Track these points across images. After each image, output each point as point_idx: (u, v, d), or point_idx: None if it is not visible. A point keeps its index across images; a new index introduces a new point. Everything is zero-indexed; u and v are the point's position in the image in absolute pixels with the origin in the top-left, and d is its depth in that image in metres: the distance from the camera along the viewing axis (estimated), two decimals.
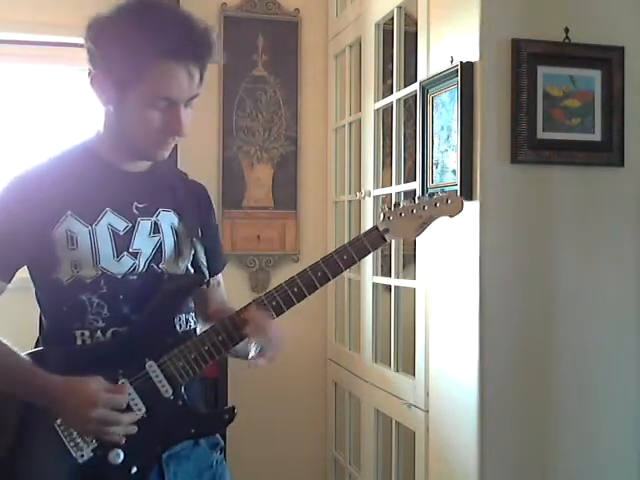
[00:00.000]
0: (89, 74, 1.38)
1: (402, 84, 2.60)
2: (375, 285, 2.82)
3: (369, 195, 2.84)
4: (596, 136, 2.08)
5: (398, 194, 2.63)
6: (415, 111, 2.41)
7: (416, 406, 2.37)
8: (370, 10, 2.83)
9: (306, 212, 3.32)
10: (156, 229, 1.43)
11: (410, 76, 2.54)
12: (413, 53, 2.45)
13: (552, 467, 2.07)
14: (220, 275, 1.63)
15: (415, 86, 2.39)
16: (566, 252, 2.08)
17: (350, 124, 3.14)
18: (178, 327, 1.43)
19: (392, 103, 2.64)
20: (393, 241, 2.63)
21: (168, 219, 1.46)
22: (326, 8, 3.35)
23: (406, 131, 2.66)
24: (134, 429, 1.32)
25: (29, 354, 1.37)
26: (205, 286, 1.50)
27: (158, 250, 1.43)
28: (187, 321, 1.47)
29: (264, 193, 3.28)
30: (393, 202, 1.52)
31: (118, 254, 1.38)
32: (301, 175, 3.33)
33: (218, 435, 1.53)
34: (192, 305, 1.50)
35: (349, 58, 3.13)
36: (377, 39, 2.80)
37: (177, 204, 1.48)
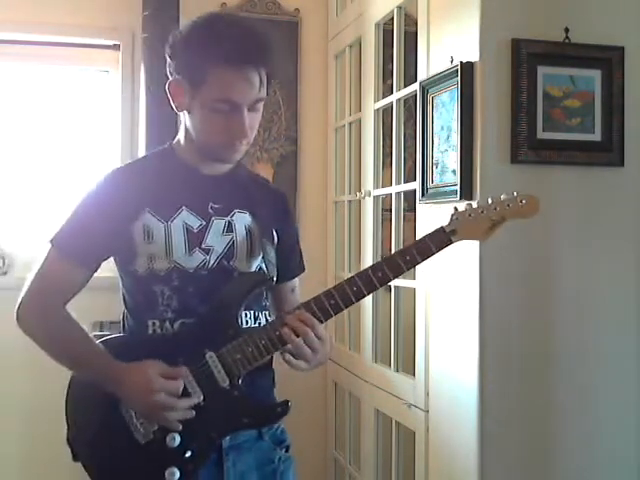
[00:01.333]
0: (167, 82, 1.49)
1: (402, 84, 2.60)
2: None
3: (369, 195, 2.84)
4: (596, 136, 2.08)
5: (398, 194, 2.63)
6: (415, 111, 2.41)
7: (416, 406, 2.37)
8: (370, 10, 2.83)
9: (306, 212, 3.32)
10: (229, 228, 1.51)
11: (410, 76, 2.54)
12: (413, 53, 2.45)
13: (552, 467, 2.07)
14: (296, 281, 1.69)
15: (415, 86, 2.39)
16: (566, 252, 2.08)
17: (350, 124, 3.14)
18: (245, 322, 1.49)
19: (392, 103, 2.64)
20: (393, 241, 2.63)
21: (242, 219, 1.53)
22: (326, 8, 3.35)
23: (406, 131, 2.66)
24: (192, 414, 1.39)
25: (108, 339, 1.49)
26: (271, 284, 1.55)
27: (230, 248, 1.50)
28: (257, 318, 1.52)
29: None
30: (464, 205, 1.46)
31: (190, 249, 1.46)
32: (301, 175, 3.33)
33: (287, 434, 1.60)
34: (265, 304, 1.57)
35: (349, 58, 3.13)
36: (377, 39, 2.80)
37: (252, 206, 1.55)
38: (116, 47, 3.17)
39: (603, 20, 2.10)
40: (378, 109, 2.80)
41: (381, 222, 2.85)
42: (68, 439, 1.49)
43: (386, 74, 2.83)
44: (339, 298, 1.42)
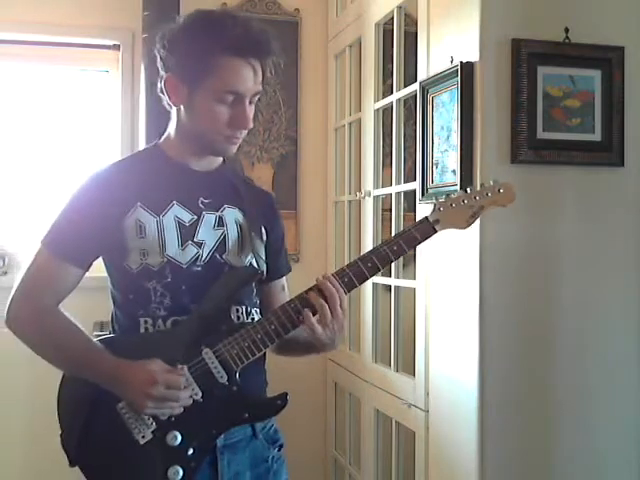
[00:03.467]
0: (160, 79, 1.48)
1: (402, 84, 2.60)
2: (375, 285, 2.82)
3: (369, 195, 2.84)
4: (596, 136, 2.08)
5: (398, 194, 2.63)
6: (415, 111, 2.41)
7: (416, 406, 2.37)
8: (370, 10, 2.83)
9: (306, 212, 3.32)
10: (220, 223, 1.51)
11: (410, 76, 2.54)
12: (413, 53, 2.45)
13: (552, 467, 2.07)
14: (284, 280, 1.69)
15: (415, 86, 2.39)
16: (566, 252, 2.08)
17: (350, 124, 3.14)
18: (236, 317, 1.49)
19: (392, 103, 2.64)
20: None
21: (233, 214, 1.54)
22: (326, 8, 3.35)
23: (406, 131, 2.66)
24: (189, 402, 1.39)
25: (102, 339, 1.47)
26: (261, 277, 1.55)
27: (222, 242, 1.50)
28: (249, 314, 1.53)
29: None
30: (445, 194, 1.52)
31: (183, 243, 1.47)
32: (301, 175, 3.33)
33: (280, 433, 1.60)
34: (256, 300, 1.57)
35: (349, 58, 3.13)
36: (377, 39, 2.80)
37: (241, 202, 1.56)
38: (116, 47, 3.17)
39: (603, 20, 2.11)
40: (378, 109, 2.80)
41: (381, 222, 2.85)
42: (63, 444, 1.46)
43: (386, 74, 2.83)
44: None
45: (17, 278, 1.47)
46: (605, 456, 2.10)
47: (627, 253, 2.13)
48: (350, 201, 3.14)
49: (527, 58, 2.01)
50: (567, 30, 2.06)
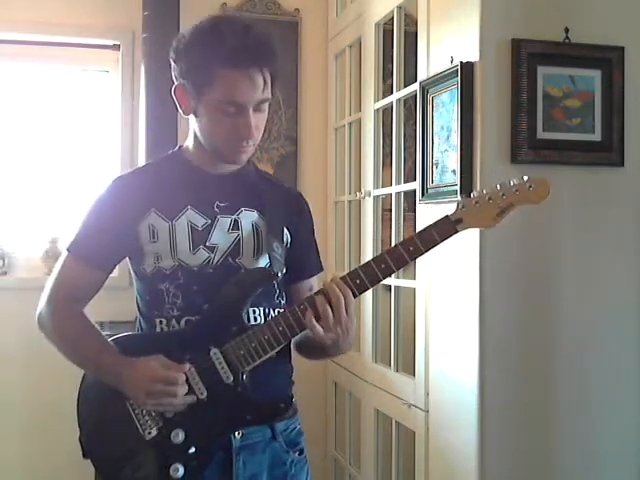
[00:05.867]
0: (173, 87, 1.50)
1: (402, 84, 2.60)
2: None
3: (369, 195, 2.84)
4: (596, 136, 2.08)
5: (398, 194, 2.63)
6: (415, 111, 2.41)
7: (416, 406, 2.37)
8: (370, 10, 2.83)
9: None
10: (235, 226, 1.52)
11: (410, 76, 2.54)
12: (413, 53, 2.45)
13: (552, 466, 2.07)
14: (314, 280, 1.66)
15: (415, 86, 2.39)
16: (566, 252, 2.08)
17: (350, 124, 3.14)
18: (253, 319, 1.49)
19: (392, 103, 2.64)
20: (393, 242, 2.63)
21: (249, 217, 1.53)
22: (326, 8, 3.35)
23: (406, 131, 2.66)
24: (193, 399, 1.40)
25: (117, 338, 1.51)
26: (276, 280, 1.52)
27: (236, 245, 1.51)
28: (267, 315, 1.51)
29: None
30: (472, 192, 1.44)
31: (194, 247, 1.48)
32: (301, 175, 3.34)
33: (302, 437, 1.60)
34: (279, 301, 1.56)
35: (349, 58, 3.13)
36: (377, 39, 2.80)
37: (261, 204, 1.55)
38: (116, 47, 3.17)
39: (603, 20, 2.10)
40: (378, 109, 2.80)
41: (381, 222, 2.85)
42: (79, 437, 1.51)
43: (386, 74, 2.83)
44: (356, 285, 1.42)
45: (46, 285, 1.54)
46: (605, 456, 2.10)
47: (627, 253, 2.13)
48: (350, 201, 3.14)
49: (527, 58, 2.01)
50: (567, 30, 2.06)
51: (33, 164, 3.22)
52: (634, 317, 2.13)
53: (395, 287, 2.62)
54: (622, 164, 2.10)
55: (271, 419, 1.50)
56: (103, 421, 1.48)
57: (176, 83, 1.48)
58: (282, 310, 1.50)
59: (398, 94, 2.60)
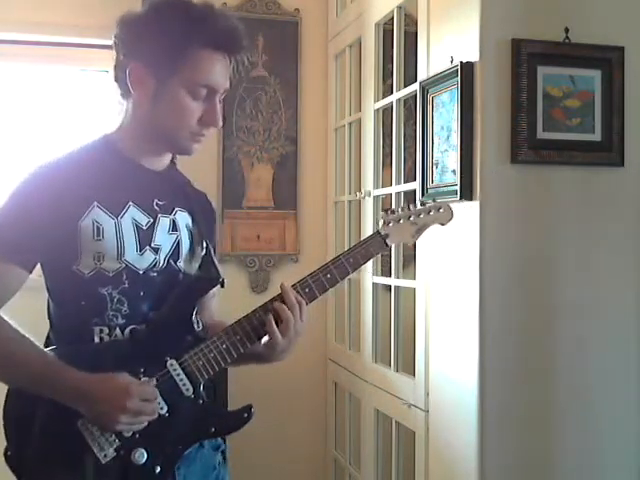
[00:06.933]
0: (121, 67, 1.39)
1: (402, 84, 2.60)
2: (375, 285, 2.82)
3: (369, 195, 2.84)
4: (596, 136, 2.08)
5: (398, 194, 2.63)
6: (415, 111, 2.41)
7: (416, 406, 2.37)
8: (370, 10, 2.83)
9: (306, 212, 3.32)
10: (174, 227, 1.45)
11: (410, 76, 2.54)
12: (413, 53, 2.45)
13: (552, 467, 2.07)
14: (216, 288, 1.59)
15: (415, 86, 2.39)
16: (566, 252, 2.08)
17: (350, 124, 3.14)
18: (196, 326, 1.44)
19: (392, 103, 2.64)
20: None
21: (184, 219, 1.48)
22: (326, 8, 3.35)
23: (406, 131, 2.66)
24: (155, 414, 1.32)
25: (54, 351, 1.35)
26: (220, 286, 1.50)
27: (176, 247, 1.45)
28: (199, 321, 1.47)
29: (264, 193, 3.28)
30: (390, 208, 1.68)
31: (141, 248, 1.39)
32: (301, 175, 3.33)
33: (220, 437, 1.53)
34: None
35: (349, 58, 3.13)
36: (377, 39, 2.80)
37: (190, 206, 1.51)
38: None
39: (603, 20, 2.10)
40: (378, 109, 2.80)
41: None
42: (7, 455, 1.34)
43: (386, 74, 2.83)
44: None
45: None
46: (605, 456, 2.10)
47: (627, 253, 2.13)
48: (350, 201, 3.14)
49: (527, 58, 2.01)
50: (567, 30, 2.06)
51: (33, 164, 3.21)
52: (634, 317, 2.13)
53: (395, 287, 2.62)
54: (622, 164, 2.10)
55: (234, 430, 1.45)
56: (48, 444, 1.31)
57: (132, 63, 1.37)
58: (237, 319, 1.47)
59: (398, 94, 2.60)
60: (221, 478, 1.52)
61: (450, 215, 1.61)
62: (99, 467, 1.30)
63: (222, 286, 1.49)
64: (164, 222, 1.43)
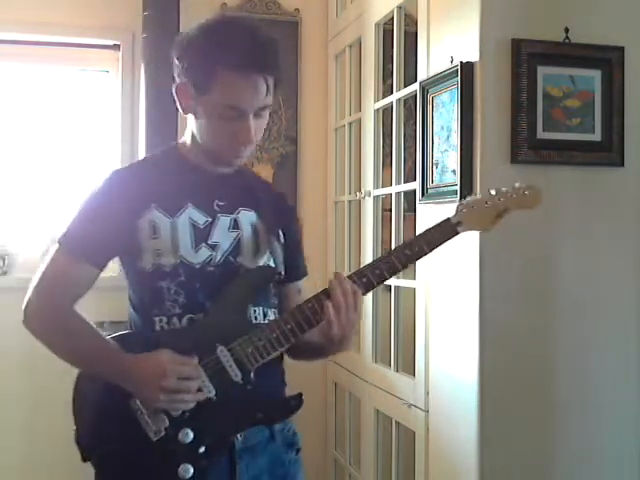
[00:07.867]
0: (174, 85, 1.48)
1: (402, 84, 2.60)
2: None
3: (369, 195, 2.84)
4: (596, 136, 2.08)
5: (398, 194, 2.63)
6: (415, 111, 2.41)
7: (416, 406, 2.37)
8: (370, 10, 2.83)
9: (306, 212, 3.32)
10: (235, 225, 1.51)
11: (410, 76, 2.54)
12: (413, 53, 2.45)
13: (552, 466, 2.07)
14: (301, 283, 1.68)
15: (415, 86, 2.39)
16: (566, 252, 2.08)
17: (350, 124, 3.14)
18: (253, 318, 1.48)
19: (392, 103, 2.64)
20: (393, 242, 2.63)
21: (248, 217, 1.53)
22: (326, 8, 3.35)
23: (406, 131, 2.66)
24: (203, 396, 1.38)
25: (115, 336, 1.47)
26: (279, 278, 1.55)
27: (236, 244, 1.50)
28: (266, 315, 1.51)
29: None
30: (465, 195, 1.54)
31: (196, 245, 1.46)
32: (301, 175, 3.34)
33: (298, 437, 1.59)
34: (274, 301, 1.57)
35: (349, 58, 3.13)
36: (377, 39, 2.80)
37: (258, 205, 1.56)
38: (116, 47, 3.17)
39: (603, 20, 2.11)
40: (378, 109, 2.80)
41: (381, 222, 2.85)
42: (77, 439, 1.46)
43: (386, 74, 2.83)
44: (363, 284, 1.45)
45: (34, 277, 1.47)
46: (605, 455, 2.10)
47: (627, 253, 2.14)
48: (350, 201, 3.14)
49: (527, 58, 2.01)
50: (567, 30, 2.06)
51: (33, 164, 3.22)
52: (634, 317, 2.13)
53: (395, 287, 2.62)
54: (622, 164, 2.10)
55: (283, 417, 1.50)
56: (105, 423, 1.43)
57: (178, 81, 1.46)
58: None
59: (398, 94, 2.60)
60: (291, 476, 1.55)
61: (538, 199, 1.48)
62: (150, 445, 1.38)
63: (279, 279, 1.54)
64: (224, 221, 1.50)
